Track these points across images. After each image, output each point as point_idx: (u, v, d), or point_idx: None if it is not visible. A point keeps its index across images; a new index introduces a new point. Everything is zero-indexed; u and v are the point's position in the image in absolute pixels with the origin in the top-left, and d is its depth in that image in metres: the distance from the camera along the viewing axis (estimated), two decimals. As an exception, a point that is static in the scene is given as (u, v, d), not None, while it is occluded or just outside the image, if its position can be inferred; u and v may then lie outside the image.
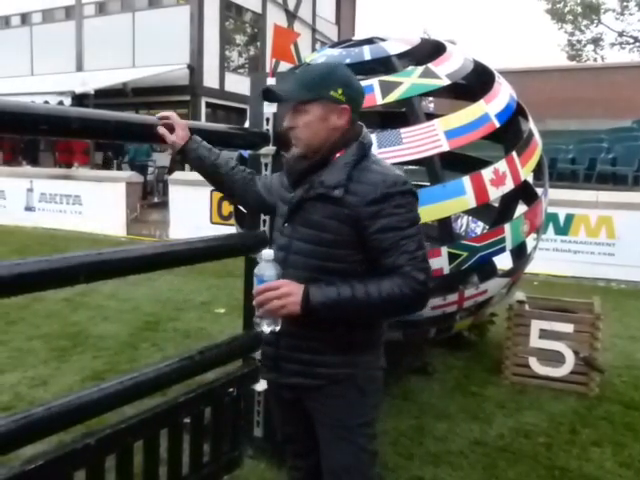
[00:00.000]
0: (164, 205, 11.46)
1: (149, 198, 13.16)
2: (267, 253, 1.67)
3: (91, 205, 11.53)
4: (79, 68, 17.88)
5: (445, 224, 3.50)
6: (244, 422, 2.96)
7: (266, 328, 1.68)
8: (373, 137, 3.07)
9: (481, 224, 4.57)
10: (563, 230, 8.13)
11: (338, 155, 1.71)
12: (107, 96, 13.77)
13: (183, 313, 5.80)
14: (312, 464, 1.93)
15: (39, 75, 18.22)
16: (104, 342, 4.79)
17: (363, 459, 1.82)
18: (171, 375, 2.41)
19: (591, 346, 3.96)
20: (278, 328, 1.68)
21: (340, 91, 1.68)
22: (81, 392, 2.10)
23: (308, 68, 1.76)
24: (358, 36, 4.05)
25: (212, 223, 9.90)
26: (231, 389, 2.78)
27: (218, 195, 9.77)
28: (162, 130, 2.13)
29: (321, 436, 1.84)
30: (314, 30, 21.10)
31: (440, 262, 3.10)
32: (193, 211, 10.11)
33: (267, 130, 2.82)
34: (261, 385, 2.89)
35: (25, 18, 19.58)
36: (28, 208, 12.32)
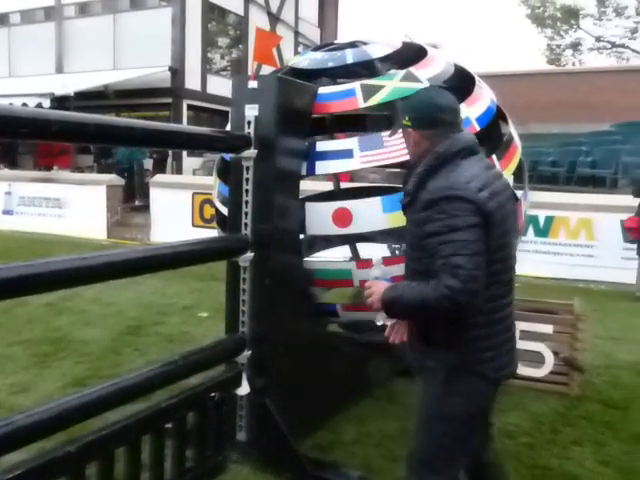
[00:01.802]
0: (145, 208, 11.38)
1: (130, 201, 13.05)
2: (376, 259, 2.07)
3: (72, 208, 11.42)
4: (59, 70, 17.70)
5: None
6: (227, 427, 2.95)
7: (381, 320, 2.00)
8: (355, 141, 3.09)
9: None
10: (543, 232, 8.21)
11: (416, 167, 1.94)
12: (88, 98, 13.64)
13: (166, 317, 5.76)
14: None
15: (18, 77, 17.99)
16: (86, 347, 4.74)
17: (427, 448, 1.98)
18: (154, 380, 2.40)
19: (571, 346, 4.00)
20: (390, 321, 1.99)
21: (407, 117, 1.98)
22: (62, 399, 2.08)
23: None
24: (341, 39, 4.05)
25: (194, 226, 9.86)
26: (214, 394, 2.77)
27: (200, 198, 9.75)
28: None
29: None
30: (297, 33, 21.09)
31: (422, 265, 3.11)
32: (175, 214, 10.06)
33: (248, 133, 2.81)
34: (244, 389, 2.89)
35: (3, 19, 19.33)
36: (6, 211, 12.17)
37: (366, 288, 1.95)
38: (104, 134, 2.18)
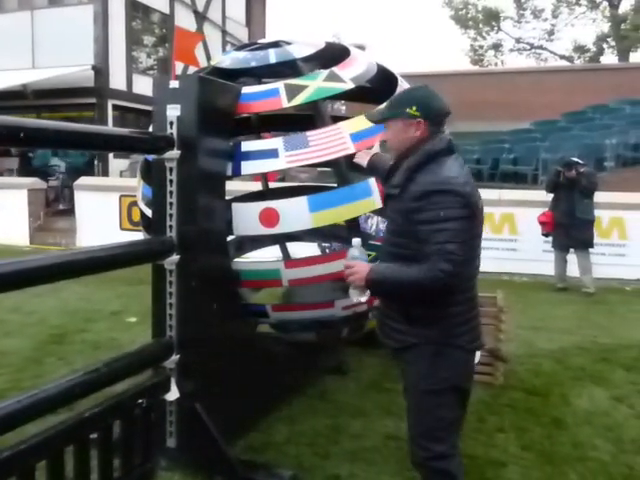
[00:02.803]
0: (71, 212, 10.98)
1: (54, 205, 12.56)
2: (355, 241, 2.17)
3: (-11, 214, 10.87)
4: (-28, 68, 16.79)
5: (353, 225, 3.56)
6: (157, 433, 2.89)
7: (356, 298, 2.15)
8: (279, 140, 3.09)
9: (390, 224, 4.68)
10: (469, 228, 8.45)
11: (405, 161, 2.11)
12: (5, 98, 13.03)
13: (92, 324, 5.57)
14: None
15: None
16: (6, 359, 4.52)
17: (426, 422, 2.14)
18: (75, 390, 2.32)
19: (495, 338, 4.15)
20: (364, 298, 2.14)
21: (414, 108, 2.09)
22: (-26, 414, 1.98)
23: (397, 93, 2.21)
24: (267, 39, 4.04)
25: (122, 229, 9.60)
26: (141, 400, 2.70)
27: (127, 200, 9.50)
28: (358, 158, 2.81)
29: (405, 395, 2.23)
30: (224, 32, 20.86)
31: (349, 263, 3.14)
32: (101, 217, 9.75)
33: (171, 134, 2.76)
34: (173, 394, 2.83)
35: None
36: None
37: (346, 267, 2.10)
38: (12, 136, 2.07)
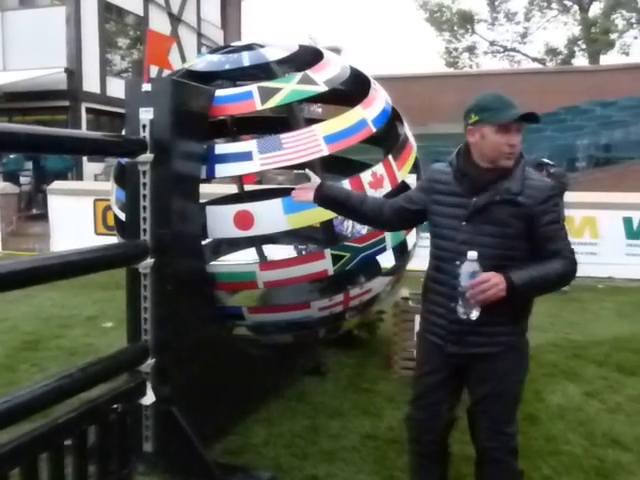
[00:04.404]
0: (44, 217, 10.83)
1: (27, 210, 12.39)
2: (472, 254, 2.07)
3: (-40, 220, 10.68)
4: (-58, 71, 16.47)
5: (328, 227, 3.58)
6: (133, 438, 2.87)
7: (474, 315, 2.11)
8: (253, 143, 3.10)
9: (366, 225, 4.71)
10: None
11: (516, 168, 2.19)
12: (-25, 101, 12.81)
13: (68, 330, 5.50)
14: (440, 409, 2.43)
15: None
16: (-23, 366, 4.45)
17: (510, 410, 2.34)
18: (49, 396, 2.30)
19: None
20: (478, 313, 2.12)
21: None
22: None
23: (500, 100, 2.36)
24: (243, 41, 4.05)
25: (97, 234, 9.50)
26: (116, 405, 2.68)
27: (102, 204, 9.40)
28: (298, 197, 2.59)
29: (485, 390, 2.29)
30: (200, 34, 20.78)
31: (324, 264, 3.16)
32: (76, 222, 9.61)
33: (144, 137, 2.75)
34: (148, 398, 2.82)
35: None
36: None
37: (481, 282, 2.03)
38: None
